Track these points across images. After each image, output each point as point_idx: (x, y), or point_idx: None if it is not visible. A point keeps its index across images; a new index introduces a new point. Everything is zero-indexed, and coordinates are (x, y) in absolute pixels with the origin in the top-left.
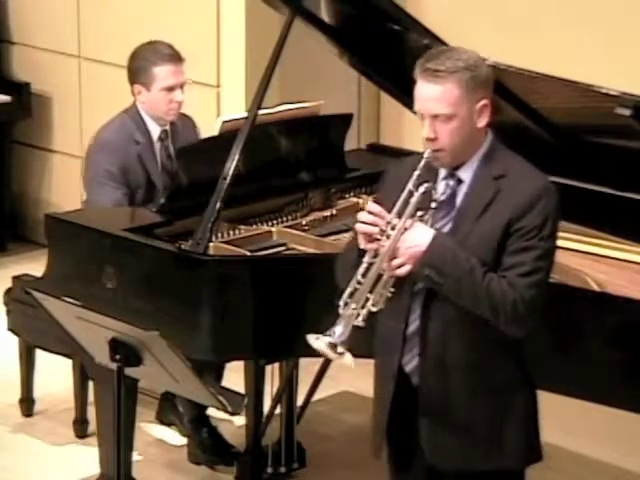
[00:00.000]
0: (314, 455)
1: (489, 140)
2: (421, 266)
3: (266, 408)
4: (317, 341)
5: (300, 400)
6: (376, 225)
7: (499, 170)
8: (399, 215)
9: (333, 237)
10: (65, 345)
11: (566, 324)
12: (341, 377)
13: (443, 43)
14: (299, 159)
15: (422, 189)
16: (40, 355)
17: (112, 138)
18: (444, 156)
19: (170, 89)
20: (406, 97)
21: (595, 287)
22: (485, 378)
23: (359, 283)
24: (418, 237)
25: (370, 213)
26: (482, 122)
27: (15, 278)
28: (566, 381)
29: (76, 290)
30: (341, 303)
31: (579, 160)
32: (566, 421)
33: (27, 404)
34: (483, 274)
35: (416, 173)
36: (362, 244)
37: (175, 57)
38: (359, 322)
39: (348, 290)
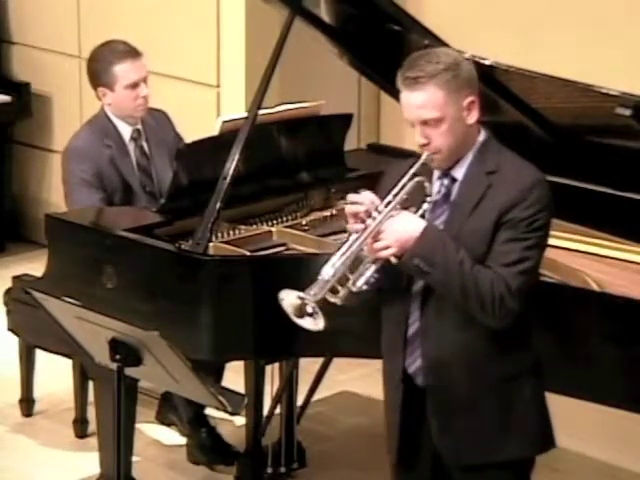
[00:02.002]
0: (314, 455)
1: (482, 137)
2: (411, 255)
3: (266, 408)
4: (288, 296)
5: (300, 400)
6: (363, 204)
7: (491, 166)
8: (388, 204)
9: (333, 237)
10: (65, 345)
11: (566, 324)
12: (341, 377)
13: (443, 43)
14: (299, 159)
15: (415, 181)
16: (40, 355)
17: (81, 145)
18: (441, 158)
19: (134, 85)
20: None
21: (595, 287)
22: (490, 369)
23: (342, 255)
24: (407, 224)
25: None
26: (472, 119)
27: (15, 278)
28: (566, 381)
29: (76, 290)
30: (322, 272)
31: (579, 160)
32: (567, 421)
33: (27, 404)
34: (472, 266)
35: (411, 171)
36: (349, 225)
37: (132, 52)
38: (337, 300)
39: (330, 262)
